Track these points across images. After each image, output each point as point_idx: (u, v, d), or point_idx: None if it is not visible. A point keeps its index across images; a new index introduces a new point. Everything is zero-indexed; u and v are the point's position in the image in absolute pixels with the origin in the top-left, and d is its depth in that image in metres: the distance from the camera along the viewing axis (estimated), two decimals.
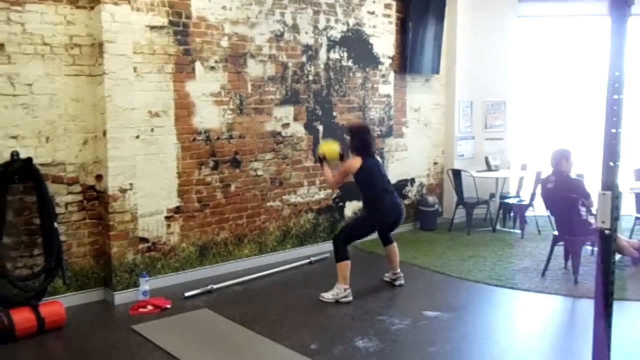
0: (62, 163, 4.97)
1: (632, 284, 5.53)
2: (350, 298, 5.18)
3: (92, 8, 4.97)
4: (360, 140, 5.28)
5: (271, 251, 6.44)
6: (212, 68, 5.77)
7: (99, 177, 5.15)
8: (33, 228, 4.84)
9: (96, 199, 5.18)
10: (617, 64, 2.29)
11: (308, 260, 6.42)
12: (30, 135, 4.79)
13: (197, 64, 5.64)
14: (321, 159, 5.45)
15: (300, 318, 4.81)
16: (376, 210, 5.30)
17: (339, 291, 5.19)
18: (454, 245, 7.15)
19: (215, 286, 5.48)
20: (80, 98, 5.00)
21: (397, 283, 5.63)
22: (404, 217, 5.46)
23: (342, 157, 5.49)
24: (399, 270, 5.67)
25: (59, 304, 4.67)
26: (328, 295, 5.21)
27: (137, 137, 5.25)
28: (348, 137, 5.39)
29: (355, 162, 5.23)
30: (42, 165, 4.83)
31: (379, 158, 5.55)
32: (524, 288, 5.54)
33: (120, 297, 5.18)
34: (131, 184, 5.20)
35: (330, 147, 5.47)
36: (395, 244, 5.65)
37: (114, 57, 4.97)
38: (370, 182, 5.27)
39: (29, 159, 4.70)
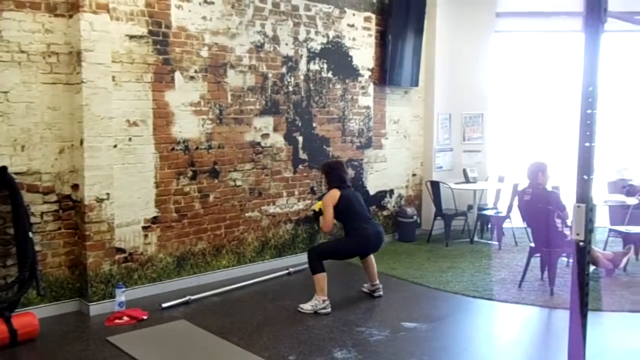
0: (38, 172, 4.90)
1: (606, 295, 5.60)
2: (329, 309, 5.18)
3: (70, 16, 4.93)
4: (336, 175, 5.46)
5: (250, 262, 6.42)
6: (192, 78, 5.76)
7: (75, 187, 5.10)
8: (7, 238, 4.76)
9: (72, 209, 5.13)
10: (590, 79, 2.33)
11: (287, 271, 6.41)
12: (6, 144, 4.72)
13: (177, 74, 5.62)
14: (317, 214, 5.56)
15: (278, 329, 4.79)
16: (359, 240, 5.39)
17: (318, 302, 5.19)
18: (433, 257, 7.18)
19: (193, 297, 5.45)
20: (57, 106, 4.95)
21: (376, 294, 5.65)
22: (383, 240, 5.58)
23: (317, 216, 5.62)
24: (377, 281, 5.69)
25: (32, 315, 4.59)
26: (307, 307, 5.21)
27: (115, 146, 5.21)
28: (323, 176, 5.58)
29: (333, 194, 5.36)
30: (17, 174, 4.76)
31: (358, 194, 5.67)
32: (501, 299, 5.57)
33: (96, 308, 5.12)
34: (108, 194, 5.15)
35: (320, 204, 5.56)
36: (372, 256, 5.66)
37: (92, 65, 4.94)
38: (350, 211, 5.37)
39: (4, 168, 4.63)
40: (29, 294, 4.84)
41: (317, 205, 5.61)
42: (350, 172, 7.37)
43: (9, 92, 4.70)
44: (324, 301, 5.19)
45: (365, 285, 5.78)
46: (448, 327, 4.91)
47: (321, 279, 5.22)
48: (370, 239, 5.40)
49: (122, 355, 4.25)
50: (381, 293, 5.66)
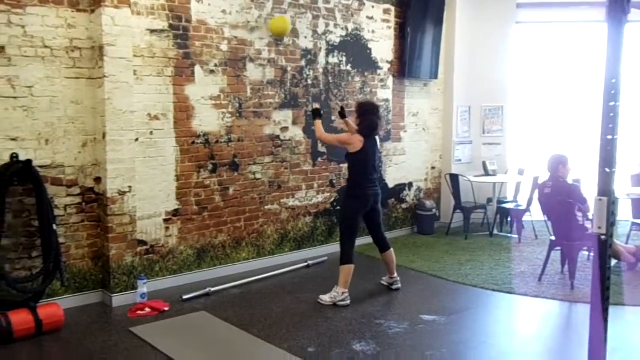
0: (62, 165, 4.97)
1: (628, 289, 5.54)
2: (348, 302, 5.19)
3: (92, 11, 4.98)
4: (369, 121, 5.27)
5: (269, 254, 6.44)
6: (212, 72, 5.78)
7: (97, 180, 5.15)
8: (32, 230, 4.84)
9: (95, 202, 5.18)
10: (613, 70, 2.29)
11: (305, 264, 6.42)
12: (30, 137, 4.79)
13: (197, 68, 5.65)
14: (315, 113, 5.51)
15: (298, 321, 4.81)
16: (360, 199, 5.32)
17: (337, 294, 5.20)
18: (452, 250, 7.16)
19: (213, 289, 5.48)
20: (80, 100, 5.00)
21: (394, 287, 5.65)
22: (380, 202, 5.48)
23: (343, 115, 5.64)
24: (396, 274, 5.68)
25: (57, 306, 4.66)
26: (326, 298, 5.23)
27: (136, 140, 5.25)
28: (355, 115, 5.40)
29: (357, 142, 5.23)
30: (41, 167, 4.83)
31: (378, 141, 5.52)
32: (520, 293, 5.55)
33: (119, 300, 5.17)
34: (130, 187, 5.19)
35: (280, 26, 5.57)
36: (392, 250, 5.65)
37: (114, 60, 4.98)
38: (360, 168, 5.29)
39: (29, 161, 4.70)
40: (54, 285, 4.91)
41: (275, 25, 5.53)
42: (378, 172, 7.34)
43: (33, 86, 4.76)
44: (343, 293, 5.20)
45: (383, 278, 5.78)
46: (467, 321, 4.90)
47: (347, 271, 5.21)
48: (369, 198, 5.32)
49: (144, 346, 4.31)
50: (399, 286, 5.66)
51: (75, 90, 4.97)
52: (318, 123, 5.52)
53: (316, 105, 5.63)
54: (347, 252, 5.25)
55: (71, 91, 4.95)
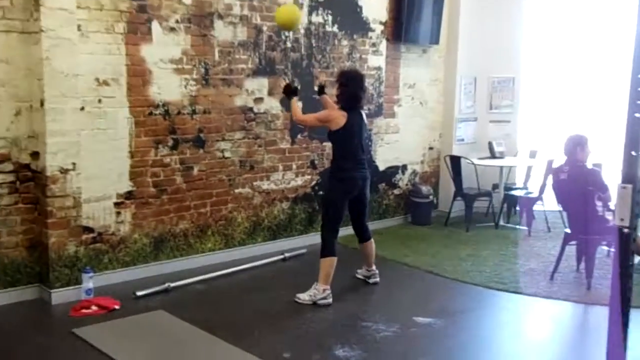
0: None
1: None
2: (330, 300, 5.19)
3: None
4: (352, 92, 5.28)
5: (239, 245, 6.42)
6: (173, 29, 5.67)
7: (35, 155, 5.05)
8: None
9: (31, 180, 5.09)
10: None
11: (282, 256, 6.41)
12: None
13: (154, 24, 5.54)
14: (291, 92, 5.51)
15: (272, 322, 4.81)
16: (342, 181, 5.34)
17: (317, 292, 5.20)
18: (451, 243, 7.17)
19: (173, 284, 5.46)
20: (10, 59, 4.87)
21: (371, 280, 5.73)
22: (368, 187, 5.51)
23: (322, 90, 5.67)
24: (374, 267, 5.75)
25: None
26: (304, 296, 5.22)
27: (82, 108, 5.16)
28: (337, 85, 5.39)
29: (339, 117, 5.24)
30: None
31: (363, 113, 5.54)
32: (529, 293, 5.57)
33: (59, 296, 5.11)
34: (74, 164, 5.11)
35: (290, 11, 5.47)
36: (372, 241, 5.71)
37: (53, 11, 4.83)
38: (345, 147, 5.32)
39: None
40: None
41: (280, 17, 5.36)
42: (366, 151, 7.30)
43: None
44: (324, 290, 5.20)
45: (359, 270, 5.85)
46: (467, 323, 4.92)
47: (329, 264, 5.23)
48: (356, 182, 5.35)
49: (90, 350, 4.26)
50: (377, 280, 5.73)
51: (5, 46, 4.83)
52: (294, 103, 5.50)
53: (290, 83, 5.56)
54: (328, 243, 5.27)
55: None
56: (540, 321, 5.15)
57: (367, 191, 5.51)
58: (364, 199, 5.50)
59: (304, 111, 6.60)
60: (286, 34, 6.51)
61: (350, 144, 5.30)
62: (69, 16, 4.93)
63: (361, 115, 5.42)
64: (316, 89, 5.91)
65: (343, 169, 5.33)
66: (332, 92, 5.70)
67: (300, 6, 6.57)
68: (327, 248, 5.27)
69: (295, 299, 5.23)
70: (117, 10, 5.30)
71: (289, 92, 5.56)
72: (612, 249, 6.16)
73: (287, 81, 5.60)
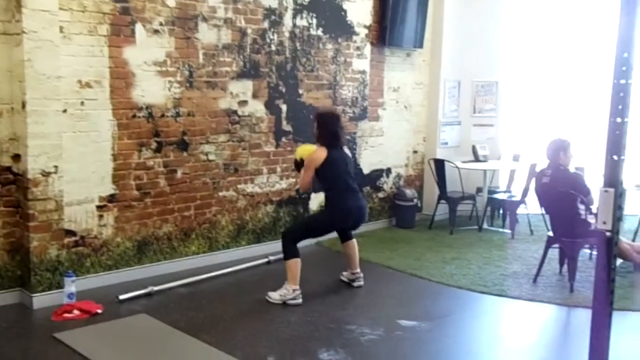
0: None
1: (635, 292, 5.61)
2: (300, 300, 5.26)
3: None
4: (329, 130, 5.38)
5: (223, 248, 6.39)
6: (156, 32, 5.64)
7: (16, 157, 5.01)
8: None
9: (13, 183, 5.04)
10: (625, 44, 2.28)
11: (266, 260, 6.39)
12: None
13: (138, 26, 5.51)
14: (299, 164, 5.53)
15: (255, 326, 4.79)
16: (337, 212, 5.45)
17: (287, 292, 5.27)
18: (435, 246, 7.18)
19: (156, 288, 5.43)
20: None
21: (355, 284, 5.74)
22: (366, 219, 5.67)
23: (299, 166, 5.57)
24: (358, 269, 5.77)
25: None
26: (275, 295, 5.29)
27: (64, 111, 5.12)
28: (315, 125, 5.49)
29: (320, 153, 5.32)
30: None
31: (347, 151, 5.65)
32: (513, 295, 5.59)
33: (41, 300, 5.06)
34: (56, 167, 5.07)
35: (308, 150, 5.53)
36: (354, 241, 5.74)
37: (35, 12, 4.80)
38: (333, 178, 5.38)
39: None
40: None
41: (299, 153, 5.58)
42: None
43: None
44: (294, 291, 5.26)
45: (344, 273, 5.86)
46: (451, 327, 4.92)
47: (293, 265, 5.28)
48: (350, 213, 5.44)
49: (72, 355, 4.23)
50: (362, 283, 5.73)
51: None
52: (300, 175, 5.51)
53: (296, 157, 5.63)
54: (289, 247, 5.34)
55: None
56: (523, 324, 5.16)
57: (363, 221, 5.62)
58: (355, 227, 5.63)
59: (289, 113, 6.64)
60: (270, 36, 6.50)
61: (336, 174, 5.36)
62: (51, 18, 4.89)
63: (343, 150, 5.50)
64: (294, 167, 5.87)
65: (337, 201, 5.42)
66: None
67: (285, 9, 6.58)
68: (289, 251, 5.32)
69: (267, 297, 5.29)
70: (100, 12, 5.26)
71: (298, 165, 5.56)
72: (595, 252, 6.22)
73: (297, 158, 5.61)
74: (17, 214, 5.07)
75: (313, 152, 5.38)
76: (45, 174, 5.01)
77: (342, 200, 5.40)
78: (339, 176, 5.38)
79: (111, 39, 5.35)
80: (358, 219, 5.53)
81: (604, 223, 2.35)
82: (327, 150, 5.31)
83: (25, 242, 5.04)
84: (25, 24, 4.77)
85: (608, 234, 2.35)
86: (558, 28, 9.08)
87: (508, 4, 8.47)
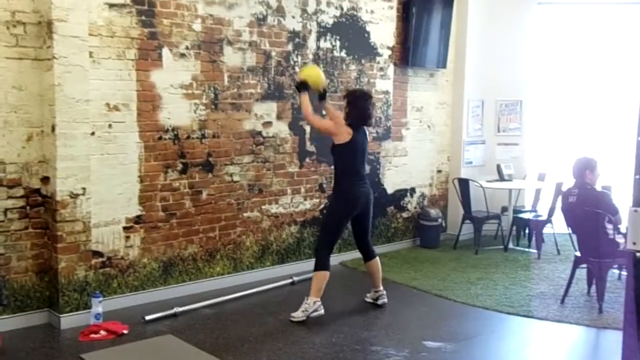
0: (2, 162, 4.87)
1: None
2: (322, 311, 5.26)
3: None
4: (359, 110, 5.34)
5: (248, 269, 6.38)
6: (183, 55, 5.71)
7: (45, 180, 5.06)
8: None
9: (42, 205, 5.09)
10: None
11: (290, 280, 6.37)
12: None
13: (165, 50, 5.58)
14: (302, 85, 5.45)
15: (280, 347, 4.75)
16: (346, 200, 5.40)
17: (308, 305, 5.26)
18: (460, 266, 7.12)
19: (181, 309, 5.42)
20: (24, 86, 4.90)
21: (379, 302, 5.70)
22: (371, 203, 5.54)
23: (323, 96, 5.61)
24: (381, 287, 5.73)
25: None
26: (298, 314, 5.28)
27: (92, 133, 5.18)
28: (344, 103, 5.44)
29: (344, 133, 5.30)
30: None
31: (367, 130, 5.63)
32: (540, 316, 5.52)
33: (68, 321, 5.08)
34: (84, 189, 5.11)
35: (314, 73, 5.47)
36: (377, 259, 5.71)
37: (66, 38, 4.88)
38: (348, 162, 5.37)
39: None
40: None
41: (303, 73, 5.49)
42: (366, 168, 7.29)
43: None
44: (314, 302, 5.25)
45: (368, 294, 5.83)
46: (477, 348, 4.87)
47: (321, 277, 5.28)
48: (359, 200, 5.40)
49: None
50: (385, 300, 5.70)
51: (18, 73, 4.87)
52: (304, 98, 5.43)
53: (300, 78, 5.59)
54: (322, 257, 5.34)
55: (13, 74, 4.84)
56: (551, 346, 5.07)
57: (371, 207, 5.55)
58: (367, 215, 5.54)
59: (312, 133, 6.64)
60: (294, 59, 6.55)
61: (353, 160, 5.36)
62: (81, 43, 4.97)
63: (365, 133, 5.49)
64: (317, 95, 5.81)
65: (346, 186, 5.39)
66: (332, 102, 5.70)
67: (309, 32, 6.62)
68: (321, 262, 5.31)
69: (290, 318, 5.27)
70: (129, 37, 5.34)
71: (301, 85, 5.48)
72: (624, 272, 6.11)
73: (300, 81, 5.58)
74: (46, 236, 5.11)
75: (340, 124, 5.32)
76: (74, 196, 5.06)
77: (350, 187, 5.36)
78: (353, 161, 5.36)
79: (139, 62, 5.42)
80: (366, 205, 5.45)
81: (634, 243, 2.33)
82: (352, 133, 5.27)
83: (53, 264, 5.08)
84: (56, 50, 4.85)
85: (638, 254, 2.32)
86: (582, 45, 9.01)
87: (530, 22, 8.43)
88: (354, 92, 5.52)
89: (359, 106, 5.34)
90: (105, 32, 5.20)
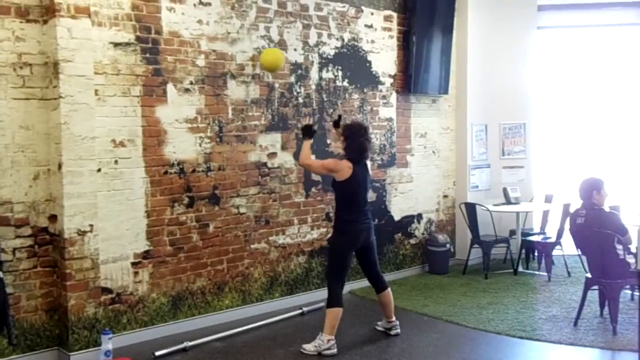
0: (9, 201, 4.88)
1: None
2: (335, 351, 5.18)
3: (45, 22, 4.95)
4: (357, 144, 5.34)
5: (256, 301, 6.35)
6: (187, 90, 5.75)
7: (52, 218, 5.07)
8: None
9: (50, 244, 5.09)
10: None
11: (300, 311, 6.33)
12: None
13: (169, 86, 5.62)
14: (307, 131, 5.49)
15: None
16: (347, 237, 5.37)
17: (322, 342, 5.20)
18: (470, 291, 7.06)
19: (190, 343, 5.39)
20: (30, 125, 4.94)
21: (392, 332, 5.65)
22: (373, 236, 5.51)
23: (337, 123, 5.63)
24: (394, 318, 5.69)
25: None
26: (310, 347, 5.23)
27: (99, 170, 5.19)
28: (342, 138, 5.45)
29: (345, 169, 5.29)
30: None
31: (369, 164, 5.61)
32: (553, 340, 5.45)
33: (78, 359, 5.06)
34: (91, 226, 5.12)
35: (273, 58, 5.41)
36: (389, 290, 5.67)
37: (72, 78, 4.94)
38: (349, 197, 5.35)
39: None
40: None
41: (264, 58, 5.41)
42: (371, 195, 7.28)
43: None
44: (328, 341, 5.20)
45: (379, 323, 5.80)
46: None
47: (334, 315, 5.23)
48: (360, 235, 5.37)
49: None
50: (398, 331, 5.65)
51: (25, 113, 4.91)
52: (306, 145, 5.47)
53: (308, 121, 5.62)
54: (335, 293, 5.28)
55: (20, 114, 4.89)
56: None
57: (373, 239, 5.52)
58: (371, 247, 5.52)
59: (318, 159, 6.62)
60: (297, 89, 6.58)
61: (355, 195, 5.35)
62: (86, 82, 5.03)
63: (366, 165, 5.48)
64: (332, 122, 5.91)
65: (347, 221, 5.36)
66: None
67: (311, 63, 6.67)
68: (334, 298, 5.26)
69: (301, 349, 5.23)
70: (134, 74, 5.38)
71: (306, 131, 5.52)
72: (637, 293, 6.02)
73: (311, 122, 5.60)
74: (54, 274, 5.10)
75: (339, 161, 5.35)
76: (81, 233, 5.06)
77: (351, 224, 5.34)
78: (355, 196, 5.34)
79: (144, 99, 5.46)
80: (367, 238, 5.41)
81: None
82: (353, 167, 5.27)
83: (62, 301, 5.07)
84: (62, 90, 4.91)
85: None
86: (585, 67, 9.04)
87: (530, 46, 8.47)
88: (350, 127, 5.50)
89: (356, 140, 5.33)
90: (111, 70, 5.24)
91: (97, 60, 5.12)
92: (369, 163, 5.57)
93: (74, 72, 4.95)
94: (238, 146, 6.15)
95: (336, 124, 5.70)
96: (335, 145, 6.91)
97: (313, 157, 5.77)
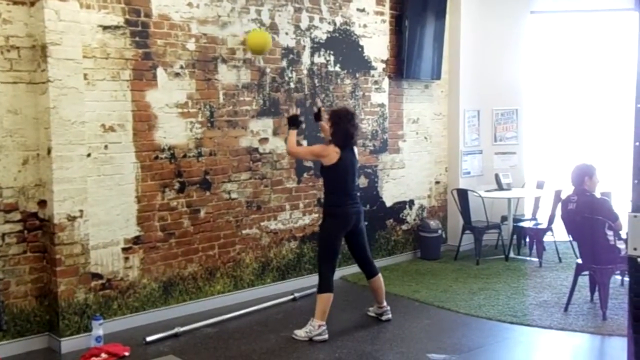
0: None
1: None
2: (326, 336, 5.22)
3: (32, 4, 4.91)
4: (344, 130, 5.35)
5: (248, 286, 6.36)
6: (177, 75, 5.73)
7: (42, 203, 5.06)
8: None
9: (39, 229, 5.09)
10: None
11: (291, 297, 6.35)
12: None
13: (160, 70, 5.60)
14: (293, 121, 5.55)
15: None
16: (337, 220, 5.40)
17: (313, 328, 5.23)
18: (461, 277, 7.10)
19: (182, 328, 5.41)
20: (19, 110, 4.92)
21: (384, 318, 5.69)
22: (363, 221, 5.55)
23: (318, 117, 5.78)
24: (385, 303, 5.72)
25: None
26: (301, 333, 5.27)
27: (88, 155, 5.18)
28: (329, 124, 5.46)
29: (332, 153, 5.31)
30: None
31: (356, 150, 5.63)
32: (544, 325, 5.49)
33: (69, 344, 5.07)
34: (81, 211, 5.11)
35: (260, 41, 5.69)
36: (380, 275, 5.69)
37: (60, 61, 4.91)
38: (338, 181, 5.37)
39: None
40: None
41: (251, 40, 5.70)
42: (363, 181, 7.30)
43: None
44: (319, 326, 5.23)
45: (370, 308, 5.83)
46: (481, 359, 4.85)
47: (325, 300, 5.26)
48: (350, 218, 5.40)
49: None
50: (390, 316, 5.69)
51: (13, 97, 4.89)
52: (292, 134, 5.52)
53: (295, 111, 5.62)
54: (325, 278, 5.31)
55: (7, 98, 4.87)
56: (556, 354, 5.06)
57: (362, 224, 5.54)
58: (361, 232, 5.55)
59: (310, 145, 6.64)
60: (289, 74, 6.57)
61: (343, 180, 5.37)
62: (75, 66, 5.00)
63: (353, 151, 5.49)
64: (313, 115, 5.97)
65: (336, 204, 5.39)
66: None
67: (303, 48, 6.65)
68: (324, 284, 5.29)
69: (293, 335, 5.27)
70: (123, 58, 5.36)
71: (293, 121, 5.56)
72: (626, 278, 6.08)
73: (298, 112, 5.62)
74: (44, 259, 5.10)
75: (327, 146, 5.36)
76: (71, 219, 5.05)
77: (340, 207, 5.36)
78: (344, 181, 5.36)
79: (133, 83, 5.44)
80: (357, 222, 5.44)
81: (635, 249, 2.33)
82: (340, 152, 5.29)
83: (53, 287, 5.07)
84: (51, 73, 4.88)
85: (639, 259, 2.32)
86: (578, 52, 9.06)
87: (523, 31, 8.47)
88: (337, 112, 5.50)
89: (343, 126, 5.35)
90: (100, 53, 5.22)
91: (85, 44, 5.10)
92: (356, 149, 5.58)
93: (63, 56, 4.92)
94: (229, 131, 6.14)
95: (317, 116, 5.75)
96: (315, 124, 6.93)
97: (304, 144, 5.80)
